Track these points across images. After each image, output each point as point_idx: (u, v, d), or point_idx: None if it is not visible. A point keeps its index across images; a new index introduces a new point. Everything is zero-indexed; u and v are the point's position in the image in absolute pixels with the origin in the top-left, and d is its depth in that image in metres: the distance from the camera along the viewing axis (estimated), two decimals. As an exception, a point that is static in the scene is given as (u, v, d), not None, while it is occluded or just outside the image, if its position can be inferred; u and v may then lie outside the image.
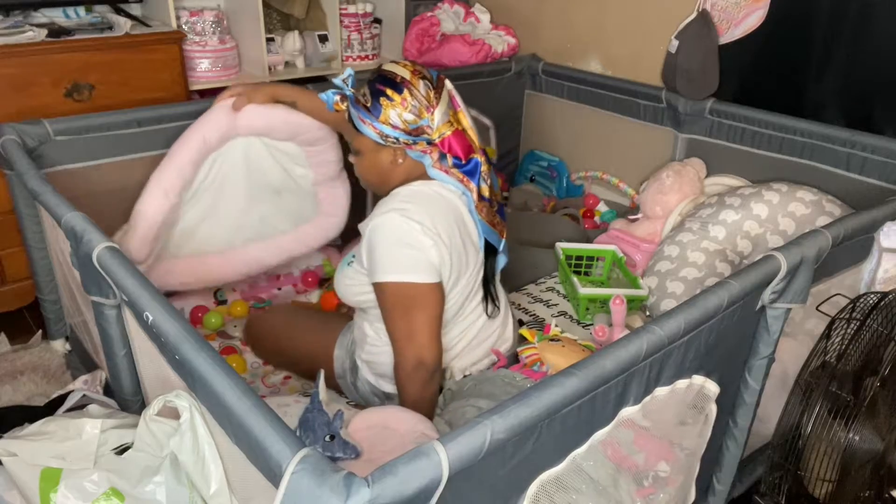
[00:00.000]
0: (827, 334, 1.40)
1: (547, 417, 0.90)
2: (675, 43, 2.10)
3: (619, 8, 2.39)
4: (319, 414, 1.02)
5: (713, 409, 1.26)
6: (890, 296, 1.38)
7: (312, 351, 1.62)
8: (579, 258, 2.10)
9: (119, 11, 2.18)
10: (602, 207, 2.54)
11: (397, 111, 1.31)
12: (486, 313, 1.49)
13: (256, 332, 1.79)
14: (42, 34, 1.91)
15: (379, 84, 1.33)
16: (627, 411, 1.06)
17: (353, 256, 1.44)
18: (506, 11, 2.73)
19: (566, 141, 2.66)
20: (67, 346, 1.92)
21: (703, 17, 2.08)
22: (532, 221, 2.35)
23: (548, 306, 1.97)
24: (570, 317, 1.93)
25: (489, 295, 1.49)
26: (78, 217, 1.25)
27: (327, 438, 0.99)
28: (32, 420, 1.24)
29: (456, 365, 1.49)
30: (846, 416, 1.33)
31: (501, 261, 1.52)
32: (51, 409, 1.49)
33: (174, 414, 1.02)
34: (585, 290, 1.87)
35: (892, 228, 1.50)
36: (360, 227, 1.38)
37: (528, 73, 2.65)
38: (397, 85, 1.32)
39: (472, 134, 1.40)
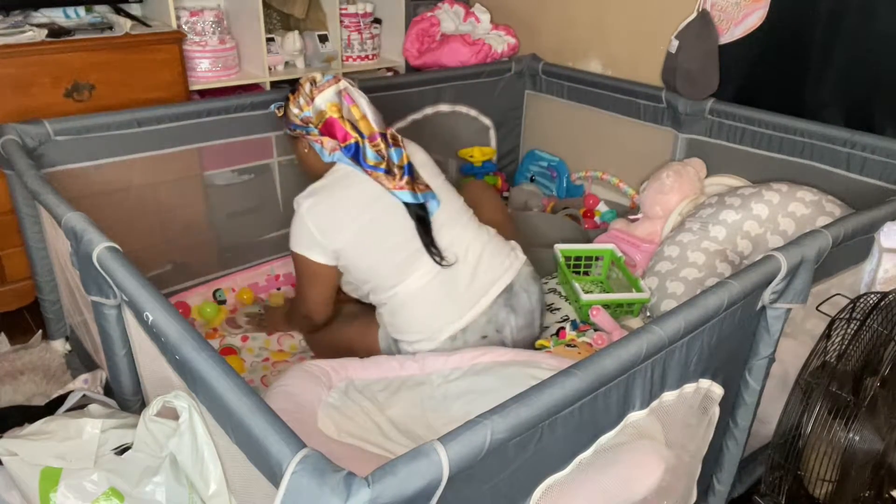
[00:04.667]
0: (827, 334, 1.40)
1: (548, 417, 0.90)
2: (675, 43, 2.10)
3: (619, 8, 2.39)
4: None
5: (716, 411, 1.26)
6: (890, 296, 1.38)
7: (358, 337, 1.76)
8: (578, 258, 2.10)
9: (119, 11, 2.18)
10: (602, 207, 2.54)
11: (291, 108, 1.66)
12: (438, 262, 1.62)
13: (314, 336, 1.92)
14: (42, 34, 1.91)
15: (288, 92, 1.70)
16: (634, 416, 1.06)
17: None
18: (506, 11, 2.73)
19: (566, 141, 2.66)
20: (67, 346, 1.92)
21: (703, 17, 2.08)
22: (532, 221, 2.35)
23: (551, 311, 1.96)
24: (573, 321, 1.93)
25: (428, 245, 1.62)
26: (78, 217, 1.25)
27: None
28: (33, 420, 1.24)
29: (451, 321, 1.63)
30: (846, 416, 1.33)
31: (434, 207, 1.65)
32: (51, 408, 1.49)
33: (173, 414, 1.02)
34: (587, 297, 1.87)
35: (892, 228, 1.50)
36: None
37: (528, 73, 2.65)
38: (293, 88, 1.68)
39: (365, 123, 1.63)
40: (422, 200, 1.62)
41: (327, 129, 1.62)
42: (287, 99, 1.68)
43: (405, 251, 1.62)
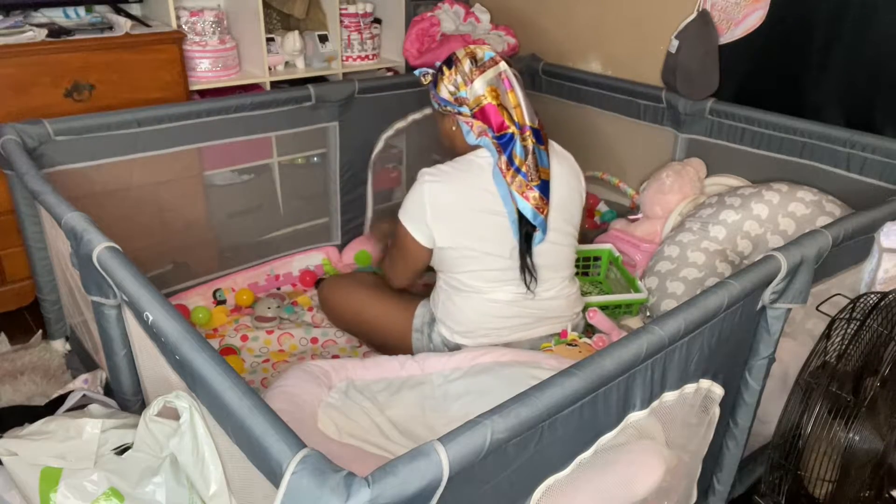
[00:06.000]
0: (827, 334, 1.40)
1: (548, 417, 0.90)
2: (675, 43, 2.10)
3: (619, 8, 2.39)
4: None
5: (716, 411, 1.26)
6: (890, 296, 1.38)
7: (390, 311, 1.76)
8: (577, 259, 2.10)
9: (119, 11, 2.18)
10: (602, 207, 2.54)
11: (444, 84, 1.58)
12: (526, 284, 1.58)
13: (331, 293, 1.92)
14: (42, 34, 1.91)
15: (442, 64, 1.61)
16: (635, 416, 1.06)
17: None
18: (506, 11, 2.73)
19: (566, 141, 2.64)
20: (67, 346, 1.93)
21: (703, 17, 2.08)
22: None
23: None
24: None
25: (526, 267, 1.57)
26: (78, 217, 1.25)
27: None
28: (33, 420, 1.24)
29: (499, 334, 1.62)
30: (846, 416, 1.33)
31: (538, 238, 1.57)
32: (51, 408, 1.49)
33: (174, 414, 1.02)
34: (584, 299, 1.86)
35: (892, 228, 1.50)
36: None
37: (528, 73, 2.64)
38: (450, 62, 1.59)
39: (519, 112, 1.55)
40: (535, 223, 1.54)
41: (482, 115, 1.54)
42: (440, 70, 1.59)
43: (497, 271, 1.58)
